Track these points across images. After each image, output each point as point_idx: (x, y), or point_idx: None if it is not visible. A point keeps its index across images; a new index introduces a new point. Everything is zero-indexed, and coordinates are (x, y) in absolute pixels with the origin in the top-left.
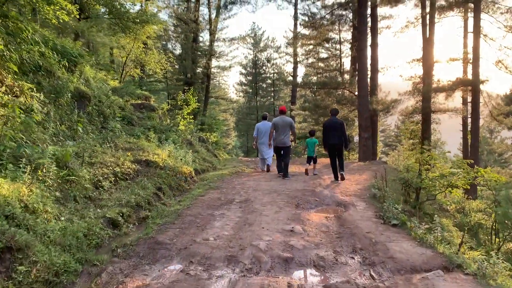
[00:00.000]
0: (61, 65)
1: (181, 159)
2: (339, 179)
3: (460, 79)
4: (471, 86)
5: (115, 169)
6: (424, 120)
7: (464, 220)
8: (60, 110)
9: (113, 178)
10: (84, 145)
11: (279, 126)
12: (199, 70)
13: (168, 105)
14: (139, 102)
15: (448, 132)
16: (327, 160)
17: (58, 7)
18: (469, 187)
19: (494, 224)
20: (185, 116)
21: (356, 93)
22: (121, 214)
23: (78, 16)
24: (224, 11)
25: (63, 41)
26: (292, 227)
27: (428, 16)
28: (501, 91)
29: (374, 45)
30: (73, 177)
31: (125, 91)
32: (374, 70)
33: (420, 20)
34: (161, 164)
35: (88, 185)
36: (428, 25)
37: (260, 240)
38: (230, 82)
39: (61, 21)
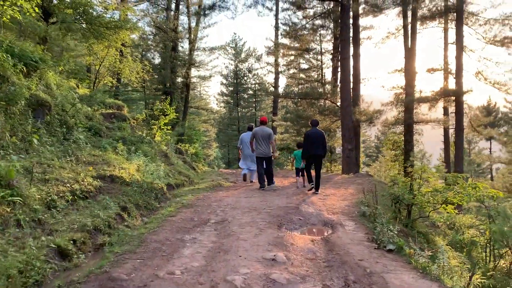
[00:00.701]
0: (17, 70)
1: (151, 174)
2: (312, 190)
3: (443, 89)
4: (455, 96)
5: (73, 186)
6: (406, 131)
7: (457, 237)
8: (12, 120)
9: (70, 197)
10: (38, 159)
11: (259, 137)
12: (178, 80)
13: (145, 115)
14: (110, 111)
15: (428, 143)
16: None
17: (8, 3)
18: (466, 204)
19: (489, 242)
20: (161, 127)
21: (339, 103)
22: (73, 241)
23: (42, 18)
24: (204, 20)
25: (22, 44)
26: (274, 255)
27: (410, 26)
28: (479, 102)
29: (356, 56)
30: (18, 198)
31: (95, 99)
32: (357, 80)
33: (402, 31)
34: (127, 180)
35: (37, 206)
36: (410, 35)
37: (236, 274)
38: (212, 92)
39: (19, 19)
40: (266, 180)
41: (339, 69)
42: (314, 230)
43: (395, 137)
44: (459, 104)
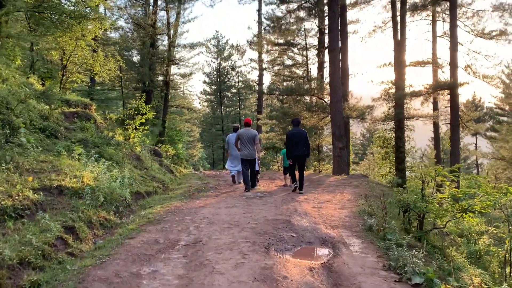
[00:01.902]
0: None
1: (113, 182)
2: (296, 190)
3: (437, 82)
4: (449, 89)
5: (3, 202)
6: (397, 127)
7: (472, 248)
8: None
9: None
10: None
11: (244, 139)
12: (159, 78)
13: (122, 114)
14: (73, 110)
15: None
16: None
17: None
18: (490, 211)
19: (510, 253)
20: (137, 127)
21: (327, 99)
22: None
23: None
24: (184, 14)
25: None
26: None
27: (399, 18)
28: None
29: (344, 49)
30: None
31: (53, 96)
32: (345, 75)
33: (389, 23)
34: (80, 191)
35: None
36: (399, 27)
37: None
38: (195, 91)
39: None
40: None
41: (325, 65)
42: (311, 251)
43: (386, 134)
44: (454, 98)
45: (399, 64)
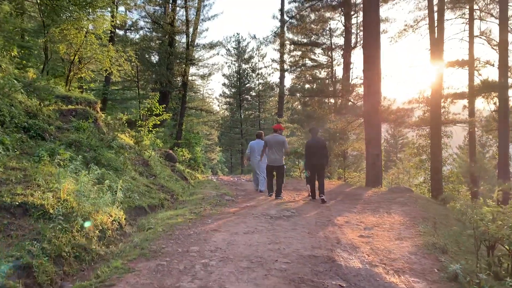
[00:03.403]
0: None
1: (103, 196)
2: (320, 202)
3: (485, 84)
4: (499, 91)
5: None
6: (434, 133)
7: None
8: None
9: None
10: None
11: (272, 145)
12: (177, 79)
13: (134, 116)
14: (72, 107)
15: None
16: (328, 184)
17: None
18: None
19: None
20: (150, 129)
21: (358, 102)
22: None
23: None
24: (203, 10)
25: None
26: None
27: (436, 15)
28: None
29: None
30: None
31: (45, 90)
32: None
33: (422, 22)
34: (51, 211)
35: None
36: (436, 23)
37: None
38: (214, 94)
39: None
40: (274, 190)
41: (351, 66)
42: None
43: (419, 141)
44: (503, 102)
45: (436, 64)
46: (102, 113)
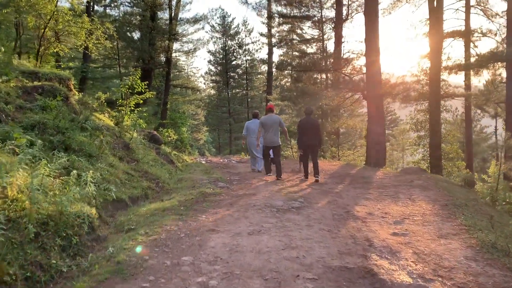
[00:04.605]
0: None
1: (68, 192)
2: (313, 179)
3: (492, 53)
4: (507, 61)
5: None
6: (434, 107)
7: None
8: None
9: None
10: None
11: (268, 125)
12: (161, 56)
13: (114, 94)
14: (38, 84)
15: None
16: (329, 165)
17: None
18: None
19: None
20: (132, 108)
21: (351, 75)
22: None
23: None
24: None
25: None
26: None
27: None
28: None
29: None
30: None
31: (2, 62)
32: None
33: None
34: None
35: None
36: None
37: None
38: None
39: None
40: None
41: (343, 39)
42: None
43: (418, 116)
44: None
45: (435, 35)
46: (81, 92)
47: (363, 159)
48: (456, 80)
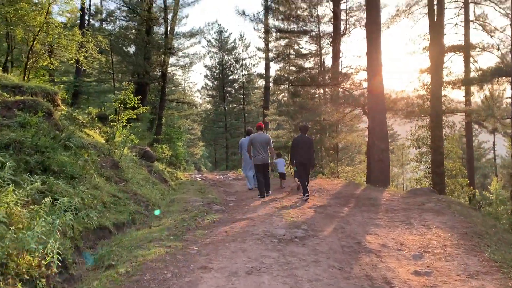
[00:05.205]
0: None
1: (38, 224)
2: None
3: (497, 68)
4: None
5: None
6: (435, 123)
7: None
8: None
9: None
10: None
11: (257, 143)
12: (156, 72)
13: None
14: (19, 99)
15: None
16: (330, 184)
17: None
18: None
19: None
20: (124, 124)
21: (351, 90)
22: None
23: None
24: None
25: None
26: None
27: None
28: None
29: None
30: None
31: None
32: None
33: (415, 7)
34: None
35: None
36: (435, 5)
37: None
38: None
39: None
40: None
41: (341, 54)
42: None
43: (419, 132)
44: None
45: (436, 49)
46: (72, 107)
47: (363, 175)
48: (453, 95)
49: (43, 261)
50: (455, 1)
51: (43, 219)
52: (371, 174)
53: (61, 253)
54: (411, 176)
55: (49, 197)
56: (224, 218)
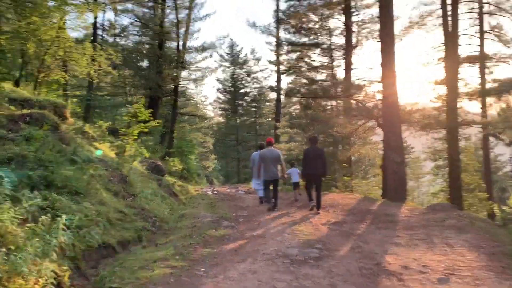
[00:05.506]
0: None
1: (31, 245)
2: (314, 210)
3: None
4: None
5: None
6: (451, 136)
7: None
8: None
9: None
10: None
11: (267, 159)
12: (168, 86)
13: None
14: (26, 112)
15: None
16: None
17: None
18: None
19: None
20: (136, 137)
21: (364, 101)
22: None
23: None
24: (195, 11)
25: None
26: None
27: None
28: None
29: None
30: None
31: None
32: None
33: (428, 18)
34: None
35: None
36: (450, 15)
37: None
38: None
39: None
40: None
41: (352, 66)
42: None
43: (435, 145)
44: None
45: (451, 60)
46: (84, 121)
47: (378, 189)
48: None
49: (36, 286)
50: (469, 12)
51: (38, 239)
52: (387, 188)
53: (57, 275)
54: (427, 189)
55: (50, 213)
56: (233, 235)
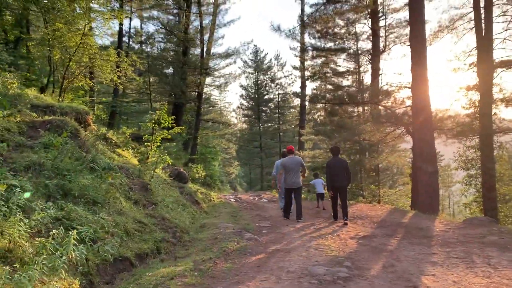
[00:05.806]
0: None
1: (41, 260)
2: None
3: None
4: None
5: None
6: (484, 143)
7: None
8: None
9: None
10: None
11: (289, 167)
12: (193, 92)
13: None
14: (47, 119)
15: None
16: (373, 209)
17: None
18: None
19: None
20: (159, 144)
21: (393, 108)
22: None
23: None
24: (219, 17)
25: None
26: None
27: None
28: None
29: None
30: None
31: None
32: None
33: (459, 22)
34: None
35: None
36: (483, 18)
37: None
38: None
39: None
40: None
41: (380, 71)
42: None
43: (467, 153)
44: None
45: (484, 65)
46: (109, 128)
47: (407, 198)
48: (505, 114)
49: None
50: (502, 15)
51: (47, 254)
52: (418, 199)
53: None
54: (458, 199)
55: (64, 225)
56: (256, 249)
